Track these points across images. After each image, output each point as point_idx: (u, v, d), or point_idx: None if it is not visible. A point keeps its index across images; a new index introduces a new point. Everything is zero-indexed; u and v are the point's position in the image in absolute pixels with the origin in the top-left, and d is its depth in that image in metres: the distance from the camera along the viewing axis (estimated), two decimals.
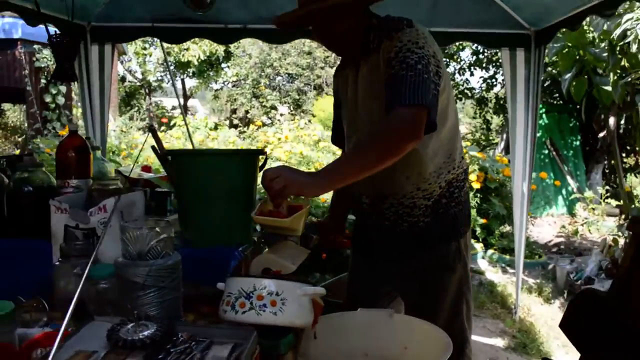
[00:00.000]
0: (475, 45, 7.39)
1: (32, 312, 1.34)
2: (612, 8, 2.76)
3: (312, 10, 1.61)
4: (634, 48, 3.47)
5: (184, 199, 1.83)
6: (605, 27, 3.68)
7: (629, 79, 3.78)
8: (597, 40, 4.31)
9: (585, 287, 1.59)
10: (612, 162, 6.54)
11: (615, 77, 4.01)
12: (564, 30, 3.53)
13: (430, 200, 1.76)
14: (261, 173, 1.47)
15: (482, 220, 5.81)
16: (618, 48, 3.78)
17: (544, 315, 4.21)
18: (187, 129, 4.58)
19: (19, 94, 3.61)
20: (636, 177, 9.20)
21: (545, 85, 8.73)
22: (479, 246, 5.79)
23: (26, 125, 7.00)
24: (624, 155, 8.09)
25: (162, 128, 8.27)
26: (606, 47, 3.99)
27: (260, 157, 1.84)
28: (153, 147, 2.93)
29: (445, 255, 1.80)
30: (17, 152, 6.37)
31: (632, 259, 1.47)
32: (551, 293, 4.77)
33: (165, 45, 4.98)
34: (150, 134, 2.17)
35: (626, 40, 3.46)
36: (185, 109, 16.68)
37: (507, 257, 5.59)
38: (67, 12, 3.28)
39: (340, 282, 3.25)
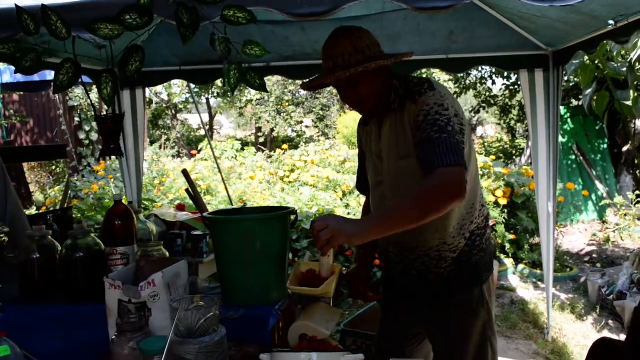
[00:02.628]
0: None
1: None
2: (626, 36, 2.81)
3: (338, 77, 1.72)
4: None
5: (222, 260, 1.96)
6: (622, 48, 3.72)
7: None
8: (616, 56, 4.33)
9: (601, 338, 1.66)
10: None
11: (636, 95, 4.03)
12: None
13: (456, 252, 1.86)
14: (309, 223, 1.58)
15: (511, 236, 5.82)
16: (637, 67, 3.80)
17: (577, 334, 4.23)
18: (219, 168, 4.74)
19: (60, 150, 3.82)
20: None
21: (569, 88, 8.68)
22: (509, 262, 5.81)
23: (62, 163, 7.29)
24: None
25: (192, 160, 8.47)
26: (625, 65, 4.01)
27: (292, 216, 1.96)
28: (187, 190, 3.09)
29: (469, 301, 1.88)
30: (56, 190, 6.63)
31: None
32: (583, 309, 4.77)
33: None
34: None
35: None
36: (211, 127, 17.00)
37: (538, 271, 5.59)
38: (99, 63, 3.48)
39: (372, 311, 3.35)
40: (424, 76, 1.97)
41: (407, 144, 1.75)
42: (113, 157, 5.96)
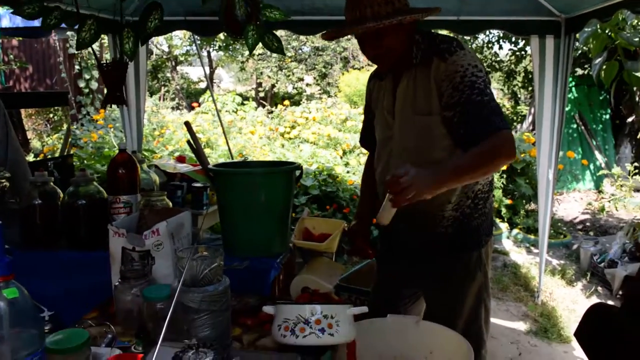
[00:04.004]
0: None
1: (98, 328, 1.51)
2: None
3: (369, 28, 1.68)
4: None
5: (225, 212, 1.97)
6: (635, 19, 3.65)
7: None
8: (629, 26, 4.26)
9: (597, 303, 1.70)
10: None
11: None
12: None
13: (458, 211, 1.85)
14: (388, 175, 1.54)
15: (508, 201, 5.87)
16: None
17: (566, 299, 4.31)
18: (220, 121, 4.71)
19: (62, 97, 3.75)
20: None
21: (576, 56, 8.59)
22: (504, 226, 5.87)
23: (60, 111, 7.21)
24: None
25: (192, 112, 8.41)
26: (638, 35, 3.95)
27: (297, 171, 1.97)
28: (189, 142, 3.09)
29: (467, 264, 1.89)
30: (54, 137, 6.58)
31: None
32: (574, 275, 4.85)
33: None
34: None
35: None
36: (211, 81, 16.83)
37: (532, 237, 5.66)
38: (105, 12, 3.41)
39: (367, 267, 3.40)
40: None
41: (428, 101, 1.74)
42: (113, 107, 5.92)
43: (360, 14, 1.69)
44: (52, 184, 2.10)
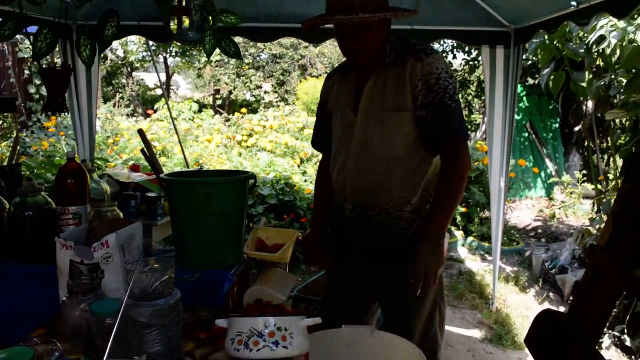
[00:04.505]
0: None
1: (44, 345, 1.46)
2: (586, 18, 2.86)
3: (360, 19, 1.68)
4: (608, 51, 3.59)
5: (178, 223, 1.94)
6: (581, 31, 3.80)
7: (602, 83, 3.90)
8: (575, 37, 4.42)
9: (545, 310, 1.74)
10: (590, 144, 6.71)
11: (591, 77, 4.14)
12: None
13: (417, 214, 1.85)
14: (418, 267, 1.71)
15: (463, 209, 5.98)
16: (594, 50, 3.90)
17: (520, 306, 4.41)
18: (176, 129, 4.64)
19: (9, 103, 3.59)
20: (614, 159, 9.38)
21: (526, 67, 8.85)
22: (459, 234, 5.97)
23: (9, 118, 6.95)
24: (601, 138, 8.28)
25: (148, 120, 8.27)
26: (583, 47, 4.11)
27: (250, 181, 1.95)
28: (143, 151, 3.03)
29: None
30: (2, 145, 6.34)
31: (588, 285, 1.60)
32: (527, 282, 4.97)
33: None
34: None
35: (602, 46, 3.57)
36: (168, 88, 16.57)
37: (486, 244, 5.78)
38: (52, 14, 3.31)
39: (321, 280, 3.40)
40: None
41: (400, 98, 1.77)
42: (65, 114, 5.76)
43: (347, 4, 1.69)
44: None
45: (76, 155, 4.69)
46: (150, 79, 18.12)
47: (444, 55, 10.44)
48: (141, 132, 3.49)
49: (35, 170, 4.33)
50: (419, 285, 1.69)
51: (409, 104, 1.76)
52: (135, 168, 3.92)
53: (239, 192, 1.87)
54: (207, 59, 13.91)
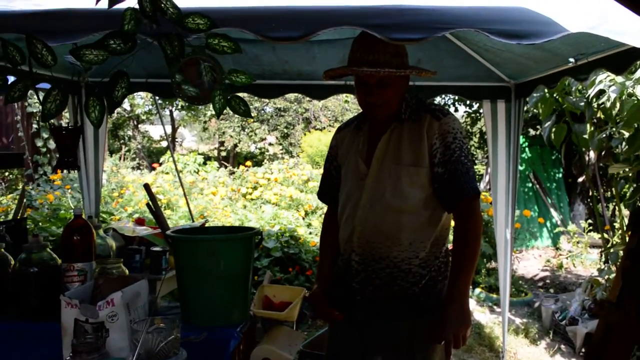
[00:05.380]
0: None
1: None
2: (585, 73, 2.92)
3: (386, 73, 1.76)
4: (608, 104, 3.64)
5: (183, 279, 1.93)
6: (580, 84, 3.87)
7: (604, 135, 3.94)
8: (575, 90, 4.49)
9: None
10: (594, 193, 6.72)
11: (592, 129, 4.19)
12: None
13: (425, 269, 1.85)
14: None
15: None
16: (594, 103, 3.95)
17: (531, 358, 4.31)
18: (180, 182, 4.67)
19: (17, 158, 3.65)
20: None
21: (528, 118, 8.96)
22: None
23: (15, 170, 7.03)
24: (604, 187, 8.29)
25: (153, 173, 8.34)
26: (583, 99, 4.17)
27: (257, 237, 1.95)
28: (148, 205, 3.04)
29: (432, 326, 1.84)
30: (8, 197, 6.39)
31: (600, 340, 1.58)
32: (537, 334, 4.87)
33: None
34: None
35: (601, 101, 3.63)
36: (173, 140, 16.78)
37: (494, 295, 5.70)
38: (62, 71, 3.39)
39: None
40: None
41: (416, 153, 1.83)
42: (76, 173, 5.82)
43: (373, 58, 1.77)
44: (2, 250, 2.03)
45: (82, 211, 4.69)
46: (156, 131, 18.37)
47: (447, 107, 10.61)
48: (147, 187, 3.52)
49: (40, 224, 4.34)
50: (450, 350, 1.74)
51: (425, 159, 1.82)
52: (140, 221, 3.93)
53: (245, 248, 1.87)
54: (211, 113, 14.15)
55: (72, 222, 2.03)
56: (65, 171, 6.82)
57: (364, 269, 1.88)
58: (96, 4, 1.71)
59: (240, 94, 3.74)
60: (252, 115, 13.42)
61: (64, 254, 2.00)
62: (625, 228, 4.69)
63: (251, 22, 1.89)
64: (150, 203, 3.40)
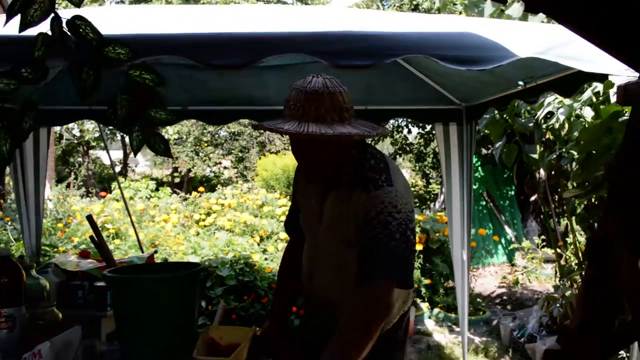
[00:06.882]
0: None
1: None
2: (534, 96, 2.94)
3: (308, 136, 1.52)
4: (556, 125, 3.70)
5: (121, 323, 1.79)
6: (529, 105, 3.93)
7: (554, 156, 4.00)
8: (524, 112, 4.56)
9: None
10: (546, 209, 6.85)
11: (542, 149, 4.24)
12: None
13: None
14: None
15: (427, 281, 5.91)
16: (543, 125, 4.01)
17: None
18: (128, 212, 4.49)
19: None
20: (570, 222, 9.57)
21: (480, 139, 9.13)
22: (424, 306, 5.87)
23: None
24: (555, 203, 8.49)
25: (102, 201, 8.06)
26: (532, 120, 4.23)
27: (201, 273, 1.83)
28: (92, 237, 2.86)
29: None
30: None
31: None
32: (497, 352, 4.87)
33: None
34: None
35: (550, 123, 3.68)
36: (125, 165, 16.37)
37: (453, 315, 5.68)
38: None
39: None
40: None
41: (348, 229, 1.66)
42: (12, 197, 5.53)
43: (302, 113, 1.54)
44: None
45: (20, 244, 4.46)
46: (107, 157, 17.88)
47: (399, 129, 10.71)
48: (90, 218, 3.35)
49: None
50: None
51: (352, 236, 1.65)
52: (84, 254, 3.73)
53: (187, 287, 1.75)
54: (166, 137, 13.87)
55: None
56: (7, 201, 6.49)
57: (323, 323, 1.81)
58: (4, 25, 1.57)
59: (190, 120, 3.61)
60: (205, 139, 13.24)
61: None
62: (576, 242, 4.76)
63: (193, 50, 1.80)
64: (94, 235, 3.23)
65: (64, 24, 1.56)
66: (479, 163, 9.11)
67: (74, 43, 1.60)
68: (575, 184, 3.93)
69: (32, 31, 1.57)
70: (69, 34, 1.57)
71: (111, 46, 1.62)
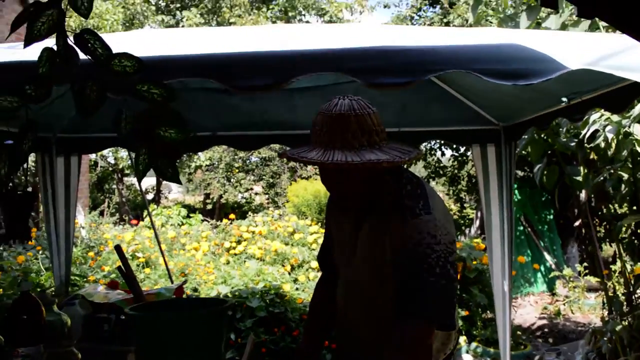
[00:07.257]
0: None
1: None
2: (579, 113, 2.77)
3: (334, 165, 1.43)
4: (602, 144, 3.50)
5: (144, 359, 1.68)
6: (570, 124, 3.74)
7: (601, 178, 3.78)
8: (564, 131, 4.37)
9: None
10: (589, 235, 6.57)
11: (586, 171, 4.04)
12: None
13: None
14: None
15: (464, 312, 5.66)
16: (586, 144, 3.82)
17: None
18: (158, 242, 4.44)
19: None
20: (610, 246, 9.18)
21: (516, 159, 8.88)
22: (462, 339, 5.61)
23: None
24: (597, 227, 8.14)
25: (133, 229, 8.07)
26: (573, 140, 4.04)
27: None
28: (119, 269, 2.78)
29: None
30: None
31: None
32: None
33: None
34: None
35: (595, 142, 3.48)
36: (158, 192, 16.53)
37: (492, 349, 5.41)
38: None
39: None
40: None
41: (383, 263, 1.55)
42: (44, 227, 5.55)
43: (328, 139, 1.44)
44: None
45: (46, 275, 4.40)
46: (143, 183, 18.10)
47: (432, 152, 10.51)
48: (118, 249, 3.28)
49: (5, 289, 4.03)
50: None
51: (390, 270, 1.54)
52: (113, 284, 3.67)
53: (212, 324, 1.63)
54: (196, 164, 13.99)
55: (19, 301, 1.78)
56: (40, 230, 6.53)
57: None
58: (24, 47, 1.49)
59: (219, 146, 3.53)
60: (237, 165, 13.27)
61: (7, 335, 1.75)
62: (625, 271, 4.49)
63: (217, 71, 1.70)
64: (122, 266, 3.16)
65: (70, 38, 1.46)
66: (516, 186, 8.83)
67: (78, 58, 1.50)
68: (621, 207, 3.71)
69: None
70: (75, 48, 1.47)
71: (117, 59, 1.52)
